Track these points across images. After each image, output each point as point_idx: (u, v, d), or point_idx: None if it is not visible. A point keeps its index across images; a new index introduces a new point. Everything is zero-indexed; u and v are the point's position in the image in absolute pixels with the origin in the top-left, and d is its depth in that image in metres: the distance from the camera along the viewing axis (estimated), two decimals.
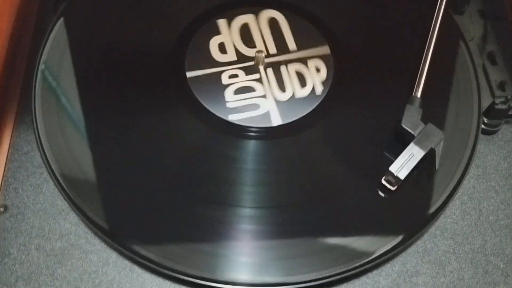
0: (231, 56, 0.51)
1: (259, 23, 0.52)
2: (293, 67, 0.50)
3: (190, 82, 0.49)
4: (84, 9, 0.54)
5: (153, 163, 0.45)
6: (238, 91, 0.49)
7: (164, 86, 0.49)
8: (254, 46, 0.51)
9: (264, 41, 0.52)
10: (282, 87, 0.49)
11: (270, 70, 0.50)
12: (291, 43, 0.51)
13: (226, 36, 0.52)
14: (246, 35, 0.52)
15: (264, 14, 0.53)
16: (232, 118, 0.47)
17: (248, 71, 0.50)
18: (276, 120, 0.47)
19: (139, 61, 0.51)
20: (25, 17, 0.56)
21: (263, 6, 0.53)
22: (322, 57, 0.51)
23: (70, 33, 0.52)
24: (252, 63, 0.50)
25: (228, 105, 0.48)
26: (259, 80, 0.50)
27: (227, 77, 0.50)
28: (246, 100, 0.48)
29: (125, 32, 0.52)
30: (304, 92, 0.49)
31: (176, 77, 0.50)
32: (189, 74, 0.49)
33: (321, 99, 0.49)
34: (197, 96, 0.48)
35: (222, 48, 0.51)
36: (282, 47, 0.51)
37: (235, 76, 0.50)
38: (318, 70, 0.50)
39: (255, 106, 0.48)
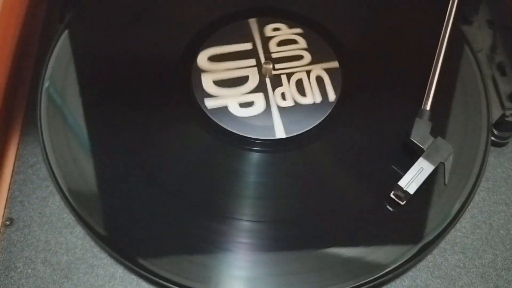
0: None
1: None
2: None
3: (193, 76, 0.49)
4: (90, 18, 0.54)
5: (160, 177, 0.45)
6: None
7: (170, 99, 0.49)
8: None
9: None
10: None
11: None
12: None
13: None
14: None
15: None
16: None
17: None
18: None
19: (145, 73, 0.50)
20: (32, 26, 0.56)
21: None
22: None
23: (76, 43, 0.52)
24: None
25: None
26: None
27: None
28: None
29: (131, 43, 0.52)
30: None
31: (183, 71, 0.49)
32: (196, 69, 0.49)
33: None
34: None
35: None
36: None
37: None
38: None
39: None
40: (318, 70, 0.51)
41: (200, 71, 0.50)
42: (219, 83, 0.49)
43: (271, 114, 0.48)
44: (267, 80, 0.50)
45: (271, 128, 0.47)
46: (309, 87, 0.50)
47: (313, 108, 0.48)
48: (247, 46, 0.52)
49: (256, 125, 0.47)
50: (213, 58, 0.51)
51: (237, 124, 0.47)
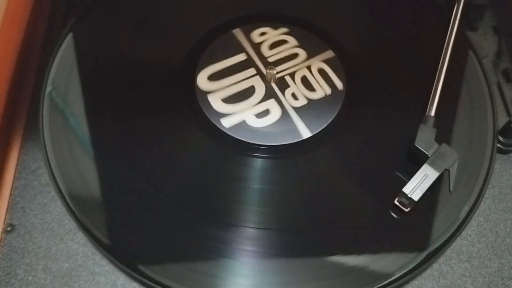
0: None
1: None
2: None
3: (199, 100, 0.49)
4: (93, 23, 0.54)
5: (162, 183, 0.44)
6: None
7: (174, 104, 0.49)
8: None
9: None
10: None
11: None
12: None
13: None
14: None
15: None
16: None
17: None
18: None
19: (148, 78, 0.50)
20: (34, 31, 0.56)
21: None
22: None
23: (79, 49, 0.51)
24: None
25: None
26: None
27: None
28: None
29: (134, 48, 0.52)
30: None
31: (186, 95, 0.49)
32: (199, 92, 0.49)
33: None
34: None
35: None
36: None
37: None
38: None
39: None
40: (317, 63, 0.51)
41: (205, 93, 0.49)
42: (228, 100, 0.49)
43: (290, 116, 0.48)
44: (274, 85, 0.50)
45: (295, 130, 0.47)
46: (315, 82, 0.50)
47: (326, 100, 0.48)
48: (242, 57, 0.51)
49: (278, 131, 0.47)
50: (212, 77, 0.50)
51: (259, 135, 0.46)
